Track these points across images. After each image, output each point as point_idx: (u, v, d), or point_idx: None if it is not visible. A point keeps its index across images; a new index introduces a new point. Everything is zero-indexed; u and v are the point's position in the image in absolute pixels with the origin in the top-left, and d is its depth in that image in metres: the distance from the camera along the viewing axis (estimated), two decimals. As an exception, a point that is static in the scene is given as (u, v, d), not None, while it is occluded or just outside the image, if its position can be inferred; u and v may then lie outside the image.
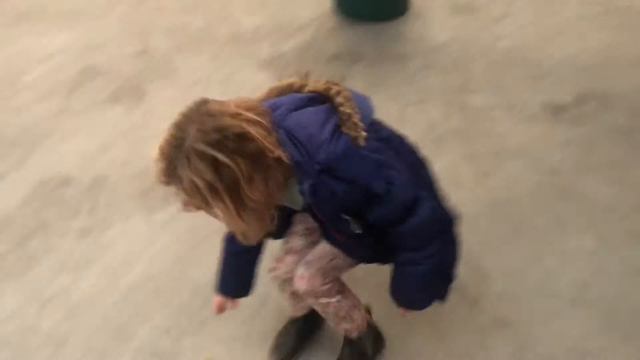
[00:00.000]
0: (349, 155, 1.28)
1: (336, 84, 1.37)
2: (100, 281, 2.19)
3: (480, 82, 3.02)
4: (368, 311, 1.85)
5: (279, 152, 1.23)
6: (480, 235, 2.22)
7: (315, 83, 1.39)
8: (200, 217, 1.37)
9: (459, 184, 2.43)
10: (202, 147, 1.15)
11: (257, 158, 1.20)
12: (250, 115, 1.22)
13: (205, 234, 2.27)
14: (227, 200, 1.21)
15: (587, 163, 2.50)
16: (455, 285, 1.62)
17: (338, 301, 1.61)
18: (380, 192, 1.31)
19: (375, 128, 1.41)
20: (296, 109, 1.32)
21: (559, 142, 2.60)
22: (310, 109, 1.33)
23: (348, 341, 1.79)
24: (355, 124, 1.29)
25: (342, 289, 1.64)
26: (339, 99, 1.32)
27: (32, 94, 3.18)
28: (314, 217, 1.52)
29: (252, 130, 1.19)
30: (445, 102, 2.90)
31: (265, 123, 1.24)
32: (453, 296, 1.72)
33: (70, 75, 3.30)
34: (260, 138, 1.20)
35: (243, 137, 1.18)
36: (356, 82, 3.06)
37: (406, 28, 3.50)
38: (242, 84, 3.12)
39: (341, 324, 1.69)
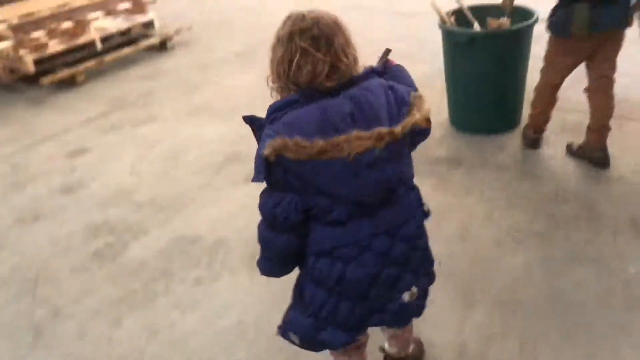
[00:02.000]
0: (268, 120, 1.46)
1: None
2: (202, 322, 2.48)
3: (571, 194, 3.00)
4: None
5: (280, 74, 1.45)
6: (537, 327, 2.21)
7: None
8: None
9: (530, 282, 2.44)
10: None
11: (282, 57, 1.43)
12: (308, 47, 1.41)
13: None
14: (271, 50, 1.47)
15: (663, 279, 2.37)
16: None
17: None
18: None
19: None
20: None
21: (637, 257, 2.50)
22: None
23: None
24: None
25: None
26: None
27: (188, 170, 3.74)
28: None
29: (288, 51, 1.43)
30: (532, 209, 2.93)
31: (308, 64, 1.41)
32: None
33: (219, 159, 3.82)
34: (287, 59, 1.42)
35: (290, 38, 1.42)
36: (453, 184, 3.21)
37: (512, 141, 3.58)
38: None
39: None
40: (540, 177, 3.20)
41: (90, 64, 5.39)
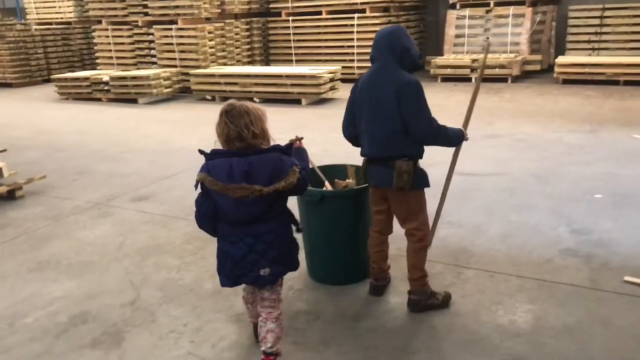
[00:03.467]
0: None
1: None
2: None
3: (421, 344, 3.07)
4: None
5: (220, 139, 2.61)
6: None
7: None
8: None
9: None
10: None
11: (218, 123, 2.60)
12: (227, 121, 2.57)
13: None
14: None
15: None
16: None
17: None
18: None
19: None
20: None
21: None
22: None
23: None
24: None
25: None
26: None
27: (24, 336, 3.30)
28: None
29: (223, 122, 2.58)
30: (386, 362, 2.93)
31: (226, 129, 2.56)
32: None
33: (63, 320, 3.45)
34: (219, 125, 2.59)
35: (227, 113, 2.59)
36: (312, 339, 3.15)
37: (367, 291, 3.65)
38: (210, 335, 3.22)
39: None
40: (392, 328, 3.25)
41: None
